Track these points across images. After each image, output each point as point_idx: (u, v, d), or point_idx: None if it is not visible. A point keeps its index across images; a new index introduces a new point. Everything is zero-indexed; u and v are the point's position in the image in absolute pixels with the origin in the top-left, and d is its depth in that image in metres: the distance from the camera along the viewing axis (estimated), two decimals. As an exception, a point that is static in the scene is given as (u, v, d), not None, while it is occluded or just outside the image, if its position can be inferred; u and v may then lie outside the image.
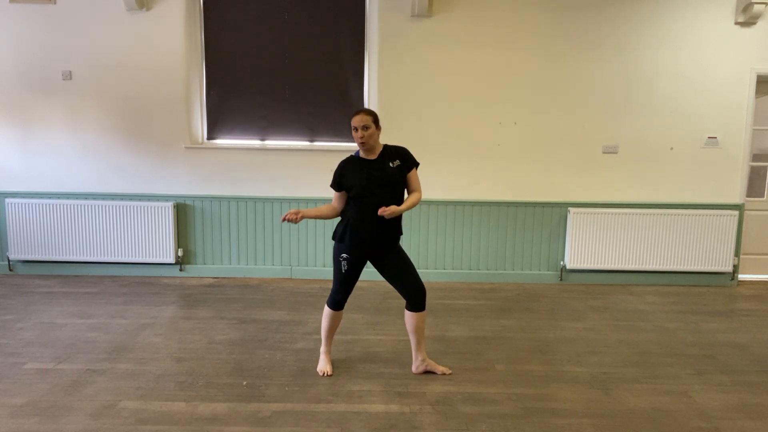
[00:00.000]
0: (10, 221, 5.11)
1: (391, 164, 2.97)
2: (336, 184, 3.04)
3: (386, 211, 2.80)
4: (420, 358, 3.15)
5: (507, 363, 3.37)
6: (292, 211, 2.87)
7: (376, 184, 2.93)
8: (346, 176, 3.00)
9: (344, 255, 3.00)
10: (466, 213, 5.24)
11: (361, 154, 3.01)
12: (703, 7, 5.02)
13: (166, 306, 4.37)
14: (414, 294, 3.00)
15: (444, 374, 3.15)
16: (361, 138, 2.88)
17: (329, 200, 5.30)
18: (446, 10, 4.99)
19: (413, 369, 3.18)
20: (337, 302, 3.10)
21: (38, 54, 5.00)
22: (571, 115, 5.14)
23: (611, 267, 5.24)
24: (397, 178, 2.97)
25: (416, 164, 3.05)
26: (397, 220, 3.04)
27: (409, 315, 3.06)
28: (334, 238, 3.06)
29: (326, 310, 3.13)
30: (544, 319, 4.23)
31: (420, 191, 3.07)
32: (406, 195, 3.10)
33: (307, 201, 5.18)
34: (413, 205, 2.99)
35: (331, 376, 3.10)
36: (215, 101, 5.23)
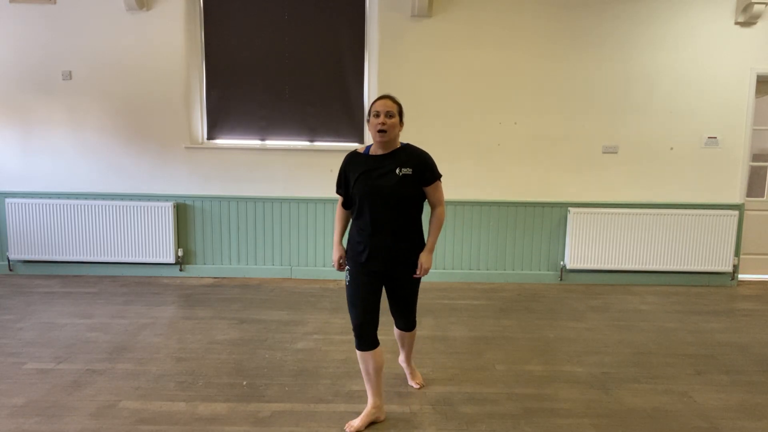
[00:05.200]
0: (10, 221, 5.11)
1: (398, 171, 2.50)
2: (342, 188, 2.65)
3: (420, 273, 2.57)
4: (408, 367, 3.03)
5: (507, 363, 3.37)
6: (339, 264, 2.65)
7: (376, 193, 2.50)
8: (350, 177, 2.60)
9: (347, 267, 2.65)
10: (466, 213, 5.24)
11: (373, 149, 2.57)
12: (702, 7, 5.02)
13: (166, 306, 4.37)
14: (405, 316, 2.78)
15: (414, 386, 2.98)
16: (383, 125, 2.44)
17: (328, 200, 5.34)
18: (446, 10, 4.99)
19: (409, 382, 3.02)
20: (357, 336, 2.54)
21: (38, 54, 5.00)
22: (571, 115, 5.14)
23: (611, 267, 5.24)
24: (401, 191, 2.49)
25: (438, 177, 2.62)
26: (409, 232, 2.59)
27: (398, 331, 2.89)
28: None
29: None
30: (544, 319, 4.23)
31: (442, 205, 2.66)
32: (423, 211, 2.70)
33: (307, 201, 5.18)
34: (439, 231, 2.65)
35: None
36: (215, 101, 5.23)
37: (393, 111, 2.48)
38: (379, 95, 2.56)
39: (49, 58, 5.01)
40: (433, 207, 2.67)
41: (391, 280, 2.63)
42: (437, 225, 2.64)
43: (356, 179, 2.54)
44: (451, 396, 2.91)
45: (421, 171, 2.54)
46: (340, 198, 2.71)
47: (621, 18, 5.03)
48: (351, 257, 2.60)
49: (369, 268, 2.55)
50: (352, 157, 2.62)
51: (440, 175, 2.64)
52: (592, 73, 5.09)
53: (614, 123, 5.16)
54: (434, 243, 2.62)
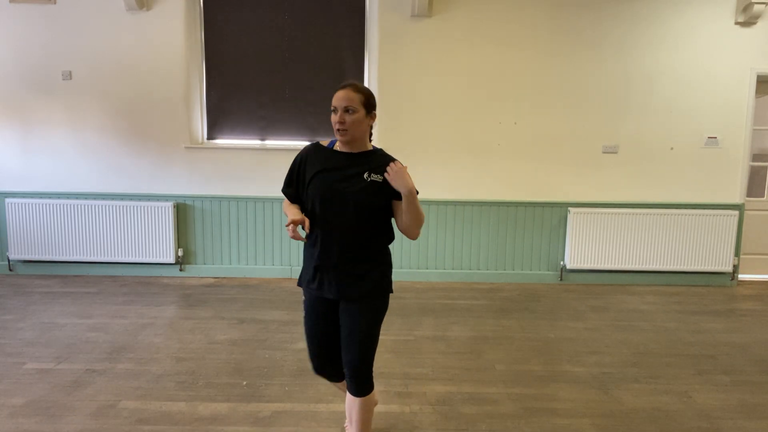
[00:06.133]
0: (10, 221, 5.11)
1: (366, 176, 2.00)
2: (291, 186, 2.13)
3: (391, 171, 1.93)
4: None
5: (507, 363, 3.37)
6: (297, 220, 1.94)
7: (334, 198, 1.99)
8: (306, 174, 2.07)
9: (304, 293, 2.18)
10: (466, 213, 5.24)
11: (339, 145, 2.08)
12: (702, 7, 5.02)
13: (166, 306, 4.37)
14: (347, 367, 2.08)
15: None
16: (341, 123, 1.95)
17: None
18: (446, 10, 4.99)
19: None
20: (313, 365, 2.21)
21: (38, 54, 5.00)
22: (571, 115, 5.14)
23: (611, 267, 5.24)
24: (366, 199, 1.99)
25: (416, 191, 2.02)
26: (371, 252, 2.07)
27: (348, 397, 2.16)
28: None
29: None
30: (544, 319, 4.23)
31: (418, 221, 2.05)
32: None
33: (307, 201, 5.18)
34: (418, 213, 2.00)
35: None
36: (215, 101, 5.23)
37: (354, 105, 1.95)
38: (342, 83, 2.02)
39: (49, 58, 5.00)
40: (403, 232, 2.06)
41: (345, 312, 2.07)
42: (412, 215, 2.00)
43: (312, 178, 2.04)
44: (451, 396, 2.91)
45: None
46: (285, 200, 2.18)
47: (621, 18, 5.03)
48: (304, 282, 2.13)
49: (323, 296, 2.07)
50: (312, 150, 2.10)
51: (416, 191, 2.02)
52: (592, 73, 5.09)
53: (614, 123, 5.15)
54: (417, 199, 1.98)
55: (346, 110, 1.95)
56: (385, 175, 1.92)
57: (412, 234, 2.05)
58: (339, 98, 1.96)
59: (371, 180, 2.01)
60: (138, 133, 5.13)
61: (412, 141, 5.12)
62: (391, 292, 2.16)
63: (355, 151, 2.06)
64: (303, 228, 1.97)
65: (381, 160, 2.06)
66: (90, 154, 5.14)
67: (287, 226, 1.92)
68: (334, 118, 1.97)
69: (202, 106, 5.24)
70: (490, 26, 5.01)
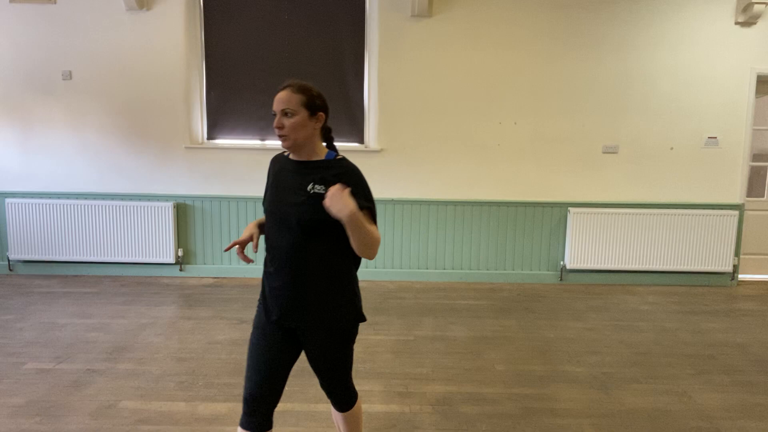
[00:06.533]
0: (10, 221, 5.11)
1: (310, 187, 1.75)
2: (263, 202, 1.92)
3: (328, 199, 1.62)
4: None
5: (507, 363, 3.37)
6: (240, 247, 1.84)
7: (277, 213, 1.80)
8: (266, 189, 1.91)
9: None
10: (466, 213, 5.24)
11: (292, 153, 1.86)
12: (702, 7, 5.02)
13: (166, 306, 4.37)
14: (328, 394, 1.99)
15: None
16: (279, 128, 1.76)
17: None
18: (446, 10, 4.99)
19: None
20: (243, 411, 1.83)
21: (38, 54, 5.00)
22: (571, 115, 5.14)
23: (611, 267, 5.24)
24: (308, 215, 1.73)
25: (367, 207, 1.76)
26: (324, 275, 1.79)
27: (334, 412, 2.06)
28: None
29: None
30: (544, 319, 4.23)
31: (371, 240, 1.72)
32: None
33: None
34: (366, 237, 1.68)
35: None
36: (215, 101, 5.23)
37: (292, 107, 1.75)
38: (283, 83, 1.82)
39: (49, 58, 5.00)
40: (357, 254, 1.78)
41: (302, 342, 1.88)
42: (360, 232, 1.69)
43: (266, 191, 1.90)
44: (451, 396, 2.91)
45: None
46: None
47: (621, 18, 5.03)
48: (259, 302, 1.92)
49: (270, 319, 1.84)
50: (273, 161, 1.94)
51: (371, 207, 1.78)
52: (592, 73, 5.09)
53: (614, 123, 5.16)
54: (362, 219, 1.66)
55: (285, 113, 1.75)
56: (325, 200, 1.62)
57: (366, 256, 1.76)
58: (276, 100, 1.77)
59: (314, 192, 1.75)
60: (138, 133, 5.13)
61: (412, 141, 5.12)
62: (362, 320, 1.90)
63: (303, 159, 1.83)
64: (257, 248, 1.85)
65: (332, 168, 1.78)
66: (90, 154, 5.14)
67: (226, 249, 1.89)
68: (275, 123, 1.78)
69: (202, 106, 5.24)
70: (490, 26, 5.01)
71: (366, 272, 5.22)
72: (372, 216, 1.79)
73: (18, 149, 5.13)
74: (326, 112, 1.85)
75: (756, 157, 5.50)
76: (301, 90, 1.78)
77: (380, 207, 5.16)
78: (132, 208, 5.11)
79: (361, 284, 4.82)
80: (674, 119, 5.16)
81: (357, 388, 2.96)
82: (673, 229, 5.19)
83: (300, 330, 1.84)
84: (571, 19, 5.02)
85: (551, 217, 5.26)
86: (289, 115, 1.75)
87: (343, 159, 1.85)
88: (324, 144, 1.88)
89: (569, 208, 5.18)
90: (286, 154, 1.90)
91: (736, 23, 5.03)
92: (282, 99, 1.76)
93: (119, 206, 5.10)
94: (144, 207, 5.10)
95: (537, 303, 4.64)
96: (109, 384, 2.97)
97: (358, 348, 3.54)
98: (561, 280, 5.31)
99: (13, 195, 5.15)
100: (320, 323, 1.82)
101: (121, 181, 5.18)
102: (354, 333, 1.90)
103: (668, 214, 5.18)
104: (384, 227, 5.20)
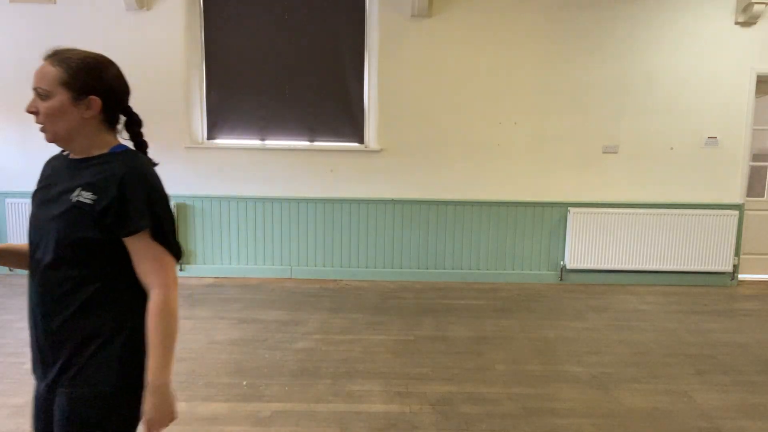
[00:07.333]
0: (10, 221, 5.10)
1: (75, 195, 1.27)
2: None
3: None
4: None
5: (507, 363, 3.37)
6: None
7: (34, 228, 1.32)
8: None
9: None
10: (466, 213, 5.24)
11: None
12: (702, 7, 5.02)
13: (166, 306, 4.36)
14: None
15: None
16: (33, 114, 1.29)
17: (328, 200, 5.35)
18: (446, 10, 4.99)
19: None
20: None
21: (38, 54, 4.99)
22: (571, 115, 5.13)
23: (611, 267, 5.24)
24: (64, 231, 1.25)
25: (147, 225, 1.27)
26: (85, 316, 1.28)
27: None
28: None
29: None
30: (544, 319, 4.23)
31: (163, 288, 1.30)
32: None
33: (307, 201, 5.18)
34: (166, 339, 1.39)
35: None
36: (215, 101, 5.23)
37: (47, 88, 1.27)
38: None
39: (49, 58, 5.00)
40: (146, 288, 1.32)
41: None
42: (157, 326, 1.33)
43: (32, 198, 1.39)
44: (451, 396, 2.91)
45: (110, 202, 1.25)
46: None
47: (621, 18, 5.03)
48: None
49: (38, 379, 1.36)
50: (48, 159, 1.45)
51: (155, 225, 1.29)
52: (592, 73, 5.09)
53: (614, 123, 5.15)
54: (162, 367, 1.39)
55: (40, 96, 1.28)
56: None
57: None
58: (35, 76, 1.30)
59: (78, 200, 1.26)
60: (138, 133, 5.12)
61: (412, 141, 5.12)
62: (140, 387, 1.38)
63: (78, 156, 1.34)
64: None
65: (112, 168, 1.29)
66: (90, 154, 5.13)
67: None
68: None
69: (202, 106, 5.24)
70: (490, 26, 5.01)
71: (366, 272, 5.22)
72: (157, 234, 1.29)
73: (18, 149, 5.13)
74: (109, 94, 1.37)
75: (756, 157, 5.50)
76: (64, 62, 1.27)
77: (380, 207, 5.16)
78: (132, 208, 5.10)
79: (361, 284, 4.82)
80: (674, 119, 5.16)
81: (357, 388, 2.97)
82: (673, 228, 5.19)
83: (57, 393, 1.31)
84: (571, 19, 5.02)
85: (551, 217, 5.26)
86: (43, 96, 1.27)
87: (126, 153, 1.34)
88: (124, 140, 1.39)
89: (569, 208, 5.18)
90: (65, 153, 1.39)
91: (736, 23, 5.03)
92: (36, 74, 1.28)
93: (119, 206, 5.10)
94: (144, 207, 5.10)
95: (537, 303, 4.64)
96: (109, 384, 2.97)
97: (357, 348, 3.54)
98: (561, 280, 5.31)
99: (13, 195, 5.15)
100: (74, 379, 1.30)
101: (121, 181, 5.17)
102: (125, 415, 1.37)
103: (668, 214, 5.18)
104: (384, 227, 5.20)
